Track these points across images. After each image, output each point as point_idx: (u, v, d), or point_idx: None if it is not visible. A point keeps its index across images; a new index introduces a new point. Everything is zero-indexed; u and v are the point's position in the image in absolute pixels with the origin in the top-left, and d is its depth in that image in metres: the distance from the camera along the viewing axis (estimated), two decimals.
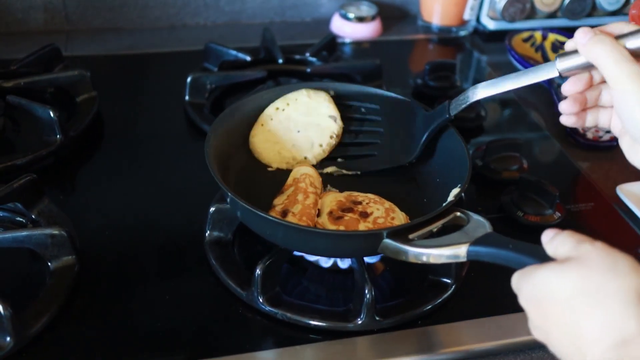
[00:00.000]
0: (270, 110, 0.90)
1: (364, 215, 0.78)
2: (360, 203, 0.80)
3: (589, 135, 1.09)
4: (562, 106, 0.70)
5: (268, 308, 0.74)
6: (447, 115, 0.82)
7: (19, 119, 1.03)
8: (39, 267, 0.77)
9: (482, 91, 0.78)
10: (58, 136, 0.95)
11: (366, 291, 0.72)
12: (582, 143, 1.09)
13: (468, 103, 0.80)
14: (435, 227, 0.70)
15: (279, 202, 0.80)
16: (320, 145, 0.89)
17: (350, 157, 0.90)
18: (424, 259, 0.65)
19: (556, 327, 0.52)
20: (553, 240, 0.56)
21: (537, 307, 0.53)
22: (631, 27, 0.65)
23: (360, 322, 0.73)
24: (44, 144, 0.95)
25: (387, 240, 0.68)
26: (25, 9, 1.28)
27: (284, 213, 0.77)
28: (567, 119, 0.71)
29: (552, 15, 1.40)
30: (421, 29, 1.45)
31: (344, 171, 0.88)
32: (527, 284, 0.54)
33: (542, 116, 1.18)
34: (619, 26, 0.66)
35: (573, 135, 1.10)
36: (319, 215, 0.79)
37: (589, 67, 0.67)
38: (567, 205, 0.95)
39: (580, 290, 0.50)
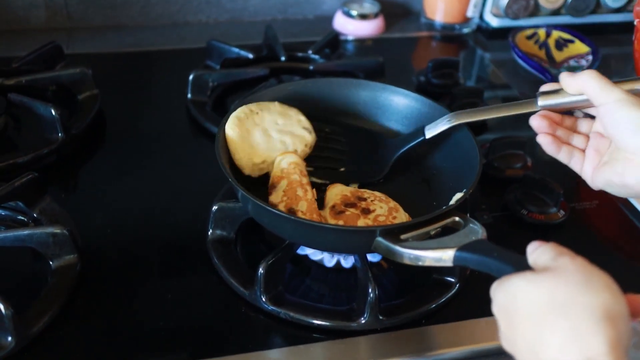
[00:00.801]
0: (244, 110, 0.87)
1: (366, 211, 0.77)
2: (365, 199, 0.79)
3: None
4: (532, 122, 0.74)
5: (271, 307, 0.74)
6: (423, 137, 0.84)
7: (20, 117, 1.03)
8: (41, 266, 0.77)
9: (463, 117, 0.80)
10: (60, 134, 0.95)
11: (370, 290, 0.72)
12: None
13: (446, 127, 0.81)
14: (431, 229, 0.69)
15: (277, 199, 0.79)
16: (295, 151, 0.87)
17: (318, 168, 0.88)
18: (412, 260, 0.65)
19: (522, 338, 0.50)
20: (535, 251, 0.55)
21: (506, 316, 0.52)
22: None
23: (363, 322, 0.73)
24: (45, 142, 0.95)
25: (379, 239, 0.67)
26: (27, 6, 1.27)
27: (291, 211, 0.76)
28: (544, 140, 0.74)
29: (555, 12, 1.39)
30: (424, 26, 1.44)
31: (314, 179, 0.85)
32: (500, 292, 0.53)
33: None
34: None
35: None
36: (322, 208, 0.79)
37: (569, 105, 0.72)
38: (572, 203, 0.95)
39: (548, 301, 0.49)
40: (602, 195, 0.97)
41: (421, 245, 0.65)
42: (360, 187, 0.85)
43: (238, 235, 0.83)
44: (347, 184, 0.85)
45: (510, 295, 0.52)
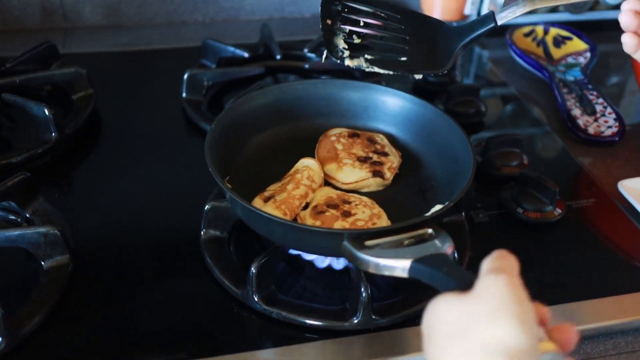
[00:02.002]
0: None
1: (346, 214, 0.77)
2: (349, 203, 0.79)
3: (591, 130, 1.08)
4: (622, 18, 0.70)
5: (263, 307, 0.73)
6: (494, 24, 0.75)
7: (14, 117, 1.03)
8: (33, 266, 0.77)
9: (538, 1, 0.73)
10: (53, 134, 0.94)
11: (362, 290, 0.71)
12: (584, 139, 1.08)
13: (520, 13, 0.74)
14: (402, 239, 0.66)
15: (272, 188, 0.80)
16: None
17: (377, 57, 0.80)
18: (370, 267, 0.63)
19: (431, 356, 0.49)
20: (482, 263, 0.52)
21: (426, 332, 0.50)
22: None
23: (356, 321, 0.72)
24: (39, 142, 0.94)
25: (345, 243, 0.66)
26: (23, 6, 1.27)
27: (268, 198, 0.78)
28: (631, 42, 0.70)
29: (553, 10, 1.38)
30: None
31: (375, 68, 0.79)
32: (428, 308, 0.51)
33: (544, 111, 1.16)
34: None
35: (574, 131, 1.08)
36: (306, 207, 0.79)
37: None
38: (568, 201, 0.94)
39: (453, 323, 0.47)
40: (599, 193, 0.97)
41: (381, 253, 0.63)
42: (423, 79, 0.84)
43: (231, 235, 0.83)
44: (411, 74, 0.80)
45: (431, 312, 0.50)
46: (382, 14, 0.81)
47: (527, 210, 0.90)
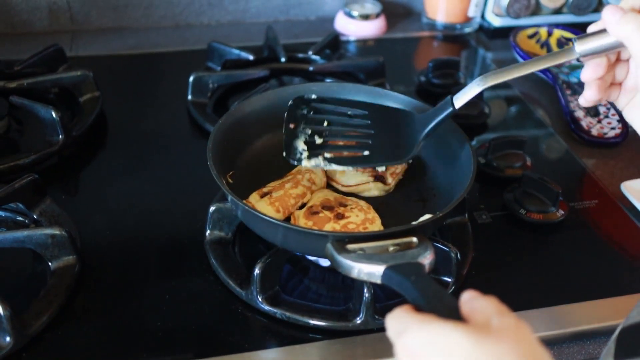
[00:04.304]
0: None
1: (339, 217, 0.78)
2: (345, 206, 0.80)
3: (594, 132, 1.08)
4: (588, 95, 0.68)
5: (267, 307, 0.74)
6: (451, 108, 0.76)
7: (22, 120, 1.04)
8: (40, 267, 0.78)
9: (493, 78, 0.71)
10: (60, 136, 0.96)
11: (365, 290, 0.72)
12: (587, 140, 1.08)
13: (477, 92, 0.73)
14: (386, 245, 0.66)
15: (271, 184, 0.81)
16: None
17: (340, 155, 0.82)
18: (346, 270, 0.63)
19: None
20: (472, 302, 0.49)
21: (417, 358, 0.46)
22: None
23: (359, 322, 0.73)
24: (46, 144, 0.95)
25: (328, 245, 0.66)
26: (31, 9, 1.28)
27: (265, 194, 0.79)
28: (588, 104, 0.69)
29: (557, 11, 1.39)
30: (426, 26, 1.44)
31: (334, 165, 0.80)
32: (422, 331, 0.46)
33: (547, 113, 1.17)
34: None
35: (577, 132, 1.09)
36: (302, 207, 0.80)
37: (609, 49, 0.65)
38: (571, 202, 0.94)
39: None
40: (602, 194, 0.97)
41: (358, 258, 0.63)
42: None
43: (236, 236, 0.84)
44: (374, 168, 0.82)
45: (436, 343, 0.45)
46: (349, 112, 0.84)
47: (530, 211, 0.90)
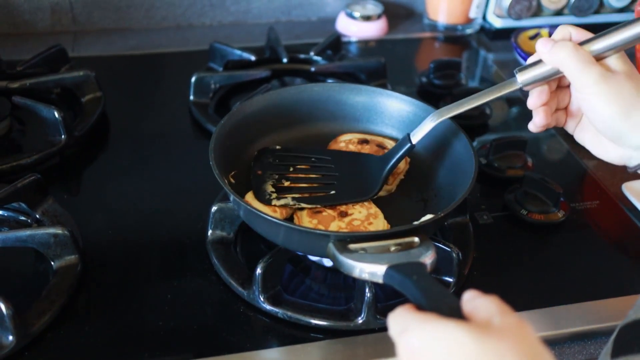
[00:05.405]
0: None
1: (343, 214, 0.78)
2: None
3: None
4: (536, 120, 0.72)
5: (269, 307, 0.74)
6: (409, 144, 0.80)
7: (25, 120, 1.05)
8: (42, 266, 0.78)
9: (445, 113, 0.77)
10: (63, 136, 0.96)
11: (367, 290, 0.72)
12: None
13: (430, 127, 0.78)
14: (388, 244, 0.66)
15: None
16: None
17: (308, 195, 0.83)
18: (348, 270, 0.63)
19: None
20: (475, 300, 0.49)
21: (419, 357, 0.46)
22: (585, 32, 0.68)
23: (361, 321, 0.73)
24: (49, 144, 0.96)
25: (330, 245, 0.66)
26: (33, 10, 1.29)
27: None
28: (538, 129, 0.73)
29: (558, 13, 1.39)
30: (427, 27, 1.44)
31: (302, 204, 0.81)
32: (424, 330, 0.46)
33: None
34: (570, 29, 0.68)
35: None
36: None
37: (547, 77, 0.69)
38: (573, 203, 0.95)
39: None
40: (603, 195, 0.97)
41: (360, 257, 0.63)
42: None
43: (237, 235, 0.84)
44: (340, 204, 0.82)
45: (438, 342, 0.45)
46: (313, 158, 0.88)
47: (531, 212, 0.90)
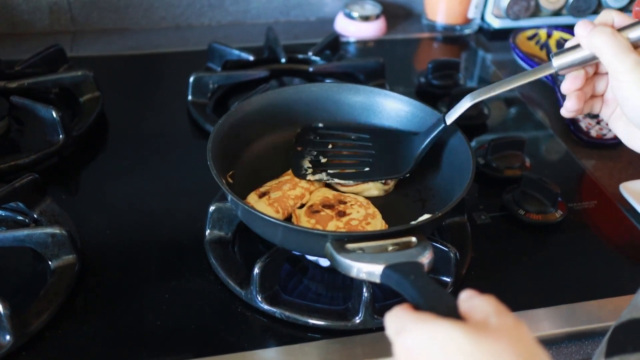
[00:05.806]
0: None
1: (341, 214, 0.78)
2: (344, 203, 0.80)
3: (593, 133, 1.09)
4: (568, 105, 0.71)
5: (267, 307, 0.74)
6: (444, 125, 0.82)
7: (23, 119, 1.04)
8: (40, 266, 0.78)
9: (481, 94, 0.77)
10: (61, 136, 0.96)
11: (364, 290, 0.72)
12: (586, 141, 1.08)
13: (466, 108, 0.78)
14: (385, 244, 0.66)
15: (267, 185, 0.82)
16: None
17: (344, 171, 0.87)
18: (346, 270, 0.63)
19: None
20: (471, 300, 0.49)
21: (415, 357, 0.46)
22: (627, 17, 0.66)
23: (358, 321, 0.73)
24: (47, 144, 0.96)
25: (327, 244, 0.66)
26: (31, 10, 1.29)
27: (263, 194, 0.80)
28: (569, 114, 0.72)
29: (556, 13, 1.39)
30: (425, 27, 1.44)
31: (336, 180, 0.85)
32: (420, 329, 0.46)
33: (546, 114, 1.17)
34: (612, 14, 0.67)
35: (577, 134, 1.09)
36: (301, 207, 0.81)
37: (584, 62, 0.68)
38: (570, 203, 0.95)
39: None
40: (601, 195, 0.97)
41: (358, 257, 0.63)
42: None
43: (235, 235, 0.84)
44: (373, 180, 0.85)
45: (434, 341, 0.45)
46: (353, 137, 0.92)
47: (529, 212, 0.90)
